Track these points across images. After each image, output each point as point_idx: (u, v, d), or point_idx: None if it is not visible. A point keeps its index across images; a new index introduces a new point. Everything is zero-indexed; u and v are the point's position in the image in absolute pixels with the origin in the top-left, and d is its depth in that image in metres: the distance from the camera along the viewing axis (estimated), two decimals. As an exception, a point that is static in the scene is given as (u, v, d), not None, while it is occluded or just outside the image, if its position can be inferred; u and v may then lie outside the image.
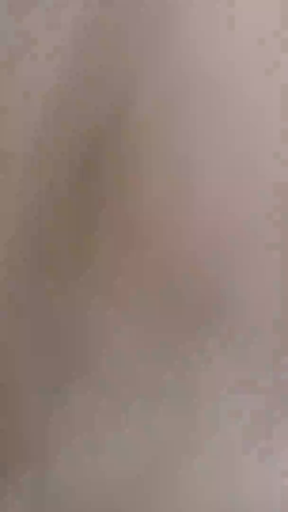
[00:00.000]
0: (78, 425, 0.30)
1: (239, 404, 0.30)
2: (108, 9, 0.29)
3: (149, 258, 0.30)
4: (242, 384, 0.30)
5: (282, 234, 0.30)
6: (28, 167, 0.30)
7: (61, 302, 0.30)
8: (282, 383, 0.30)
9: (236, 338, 0.30)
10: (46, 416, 0.30)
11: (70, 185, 0.30)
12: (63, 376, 0.30)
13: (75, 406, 0.30)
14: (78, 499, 0.30)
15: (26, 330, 0.30)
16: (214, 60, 0.30)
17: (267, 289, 0.30)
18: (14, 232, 0.30)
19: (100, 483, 0.30)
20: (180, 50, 0.30)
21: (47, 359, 0.30)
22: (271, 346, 0.30)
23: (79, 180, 0.30)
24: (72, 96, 0.30)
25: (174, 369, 0.30)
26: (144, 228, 0.30)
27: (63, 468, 0.30)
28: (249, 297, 0.30)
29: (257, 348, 0.30)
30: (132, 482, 0.30)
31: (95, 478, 0.30)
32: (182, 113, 0.30)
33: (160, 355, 0.30)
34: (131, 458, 0.30)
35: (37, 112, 0.30)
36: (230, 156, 0.30)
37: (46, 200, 0.30)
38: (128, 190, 0.30)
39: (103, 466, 0.30)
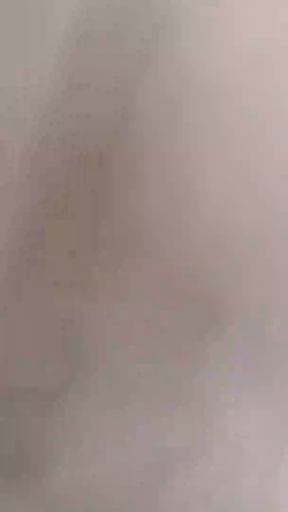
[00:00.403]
0: (78, 431, 0.30)
1: (243, 411, 0.30)
2: (106, 22, 0.30)
3: (151, 263, 0.30)
4: (247, 391, 0.30)
5: (283, 239, 0.30)
6: (29, 177, 0.30)
7: (63, 306, 0.30)
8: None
9: (237, 343, 0.30)
10: (46, 421, 0.30)
11: (71, 194, 0.30)
12: (64, 381, 0.31)
13: (75, 412, 0.30)
14: (78, 505, 0.30)
15: (27, 335, 0.30)
16: (213, 70, 0.30)
17: (268, 294, 0.30)
18: (16, 237, 0.30)
19: (100, 490, 0.30)
20: (179, 60, 0.30)
21: (48, 364, 0.30)
22: (275, 351, 0.30)
23: (80, 189, 0.30)
24: (71, 108, 0.30)
25: (177, 375, 0.30)
26: (144, 235, 0.30)
27: (64, 474, 0.30)
28: (250, 302, 0.30)
29: (259, 352, 0.30)
30: (133, 489, 0.30)
31: (95, 484, 0.30)
32: (182, 121, 0.30)
33: (163, 361, 0.30)
34: (132, 466, 0.30)
35: (37, 121, 0.30)
36: (230, 164, 0.30)
37: (48, 208, 0.30)
38: (128, 197, 0.30)
39: (103, 473, 0.30)
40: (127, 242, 0.30)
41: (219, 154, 0.30)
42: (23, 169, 0.30)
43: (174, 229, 0.30)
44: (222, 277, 0.30)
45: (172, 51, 0.30)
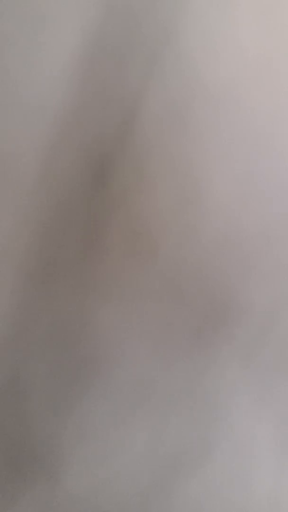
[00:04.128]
0: (89, 433, 0.30)
1: (254, 414, 0.30)
2: (111, 27, 0.29)
3: (158, 265, 0.30)
4: (257, 394, 0.30)
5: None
6: (37, 180, 0.30)
7: (72, 309, 0.30)
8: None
9: (248, 345, 0.30)
10: (58, 425, 0.30)
11: (78, 195, 0.30)
12: (75, 384, 0.30)
13: (86, 414, 0.30)
14: (90, 505, 0.30)
15: (37, 338, 0.30)
16: (219, 74, 0.30)
17: (277, 295, 0.30)
18: (24, 242, 0.30)
19: (111, 491, 0.30)
20: (185, 65, 0.30)
21: (58, 367, 0.30)
22: (285, 351, 0.30)
23: (88, 190, 0.30)
24: (77, 113, 0.30)
25: (186, 377, 0.30)
26: (152, 236, 0.30)
27: (75, 477, 0.30)
28: (259, 303, 0.30)
29: (270, 354, 0.30)
30: (144, 489, 0.30)
31: (106, 486, 0.30)
32: (188, 125, 0.30)
33: (172, 363, 0.30)
34: (142, 467, 0.30)
35: (44, 128, 0.30)
36: (237, 166, 0.30)
37: (55, 211, 0.30)
38: (135, 198, 0.30)
39: (114, 474, 0.30)
40: (135, 243, 0.30)
41: (226, 156, 0.30)
42: (33, 174, 0.30)
43: (182, 230, 0.30)
44: (230, 278, 0.30)
45: (178, 55, 0.30)
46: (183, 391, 0.30)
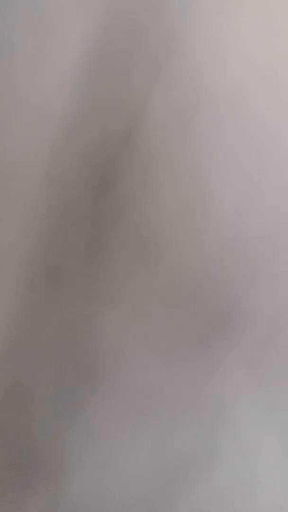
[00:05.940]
0: (93, 440, 0.30)
1: (259, 421, 0.30)
2: (116, 33, 0.30)
3: (163, 271, 0.30)
4: (262, 401, 0.30)
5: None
6: (41, 186, 0.30)
7: (76, 315, 0.30)
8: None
9: (253, 351, 0.30)
10: (61, 430, 0.30)
11: (82, 202, 0.30)
12: (79, 390, 0.30)
13: (90, 420, 0.30)
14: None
15: (42, 343, 0.30)
16: (224, 81, 0.30)
17: (282, 301, 0.30)
18: (28, 247, 0.30)
19: (115, 498, 0.30)
20: (189, 72, 0.30)
21: (63, 373, 0.30)
22: None
23: (92, 197, 0.30)
24: (82, 120, 0.30)
25: (191, 384, 0.30)
26: (157, 241, 0.30)
27: (79, 483, 0.30)
28: (264, 309, 0.30)
29: (275, 361, 0.30)
30: (148, 498, 0.30)
31: (109, 493, 0.30)
32: (193, 131, 0.30)
33: (177, 369, 0.30)
34: (147, 474, 0.30)
35: (48, 135, 0.30)
36: (242, 172, 0.30)
37: (60, 216, 0.30)
38: (140, 204, 0.30)
39: (118, 481, 0.30)
40: (139, 249, 0.30)
41: (231, 162, 0.30)
42: (37, 180, 0.30)
43: (187, 236, 0.30)
44: (235, 284, 0.30)
45: (183, 62, 0.30)
46: (188, 397, 0.30)
